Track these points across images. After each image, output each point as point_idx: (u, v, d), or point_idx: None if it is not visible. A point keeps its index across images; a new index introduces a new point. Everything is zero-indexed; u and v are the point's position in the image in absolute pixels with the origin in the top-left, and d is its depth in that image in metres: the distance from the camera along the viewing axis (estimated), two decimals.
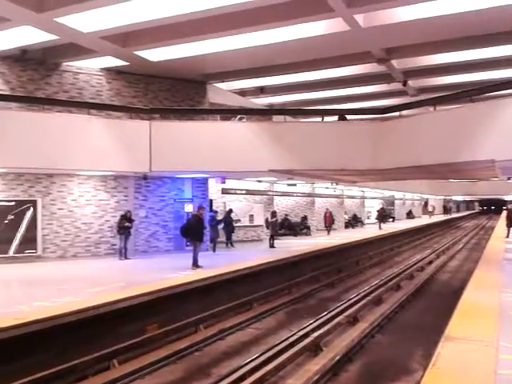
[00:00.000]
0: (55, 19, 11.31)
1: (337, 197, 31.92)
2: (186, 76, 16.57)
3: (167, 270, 11.85)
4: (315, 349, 7.49)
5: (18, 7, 10.53)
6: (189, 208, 16.82)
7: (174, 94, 17.00)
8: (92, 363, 6.62)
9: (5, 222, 14.00)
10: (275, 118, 20.09)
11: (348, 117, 15.07)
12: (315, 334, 7.76)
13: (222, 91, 18.92)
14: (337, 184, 26.11)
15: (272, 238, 18.73)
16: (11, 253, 14.07)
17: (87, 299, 8.23)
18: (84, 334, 7.28)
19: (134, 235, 15.66)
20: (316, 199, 29.19)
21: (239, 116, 19.68)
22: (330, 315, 9.20)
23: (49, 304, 7.87)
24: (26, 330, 6.45)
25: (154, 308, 8.90)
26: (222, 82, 17.97)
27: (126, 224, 14.89)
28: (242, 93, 20.20)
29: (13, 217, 14.12)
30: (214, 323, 9.32)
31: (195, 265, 12.46)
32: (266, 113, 21.57)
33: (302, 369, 6.81)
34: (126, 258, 14.85)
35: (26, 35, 12.94)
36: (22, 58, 14.26)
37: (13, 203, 14.19)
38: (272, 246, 18.39)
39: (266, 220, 20.20)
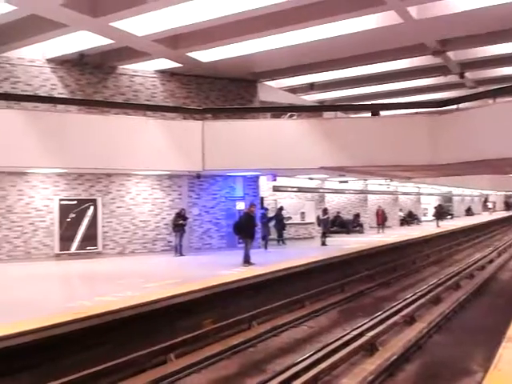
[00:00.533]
0: (110, 24, 11.74)
1: (391, 193, 31.16)
2: (236, 75, 16.72)
3: (220, 267, 12.03)
4: (370, 348, 7.35)
5: (75, 13, 10.99)
6: (240, 206, 16.98)
7: (225, 93, 17.20)
8: (150, 357, 6.82)
9: (67, 220, 14.70)
10: (326, 114, 19.90)
11: (404, 111, 14.71)
12: (370, 334, 7.62)
13: (272, 89, 18.94)
14: (391, 180, 25.49)
15: (324, 235, 18.57)
16: (73, 249, 14.76)
17: (145, 294, 8.50)
18: (142, 328, 7.52)
19: (188, 233, 16.00)
20: (369, 196, 28.64)
21: (290, 113, 19.63)
22: (385, 314, 9.00)
23: (109, 298, 8.19)
24: (87, 323, 6.74)
25: (209, 303, 9.05)
26: (272, 79, 18.00)
27: (181, 222, 15.24)
28: (292, 90, 20.14)
29: (75, 215, 14.80)
30: (266, 320, 9.35)
31: (247, 262, 12.56)
32: (317, 109, 21.37)
33: (357, 368, 6.71)
34: (181, 254, 15.21)
35: (84, 40, 13.53)
36: (81, 62, 14.91)
37: (75, 202, 14.88)
38: (324, 243, 18.23)
39: (318, 217, 20.04)
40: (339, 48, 14.43)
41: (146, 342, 7.12)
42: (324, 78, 18.82)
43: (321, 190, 24.30)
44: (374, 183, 27.94)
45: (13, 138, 12.50)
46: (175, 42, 13.53)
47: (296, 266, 12.17)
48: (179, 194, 16.46)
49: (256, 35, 12.99)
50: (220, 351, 7.34)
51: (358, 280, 13.53)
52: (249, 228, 12.92)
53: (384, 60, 16.15)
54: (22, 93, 14.13)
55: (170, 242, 15.85)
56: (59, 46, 14.17)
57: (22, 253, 14.16)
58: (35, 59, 14.56)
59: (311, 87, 19.45)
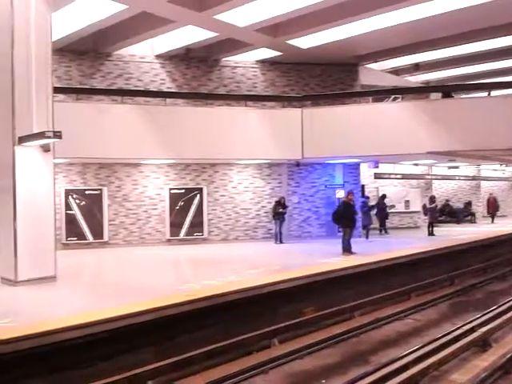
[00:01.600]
0: (214, 17, 12.10)
1: (507, 180, 28.68)
2: (336, 60, 16.39)
3: (320, 255, 11.98)
4: (483, 344, 6.89)
5: (182, 8, 11.50)
6: (340, 194, 16.70)
7: (325, 79, 16.96)
8: (255, 340, 7.03)
9: (176, 208, 15.58)
10: (433, 95, 18.78)
11: None
12: (483, 329, 7.14)
13: (374, 72, 18.30)
14: (506, 165, 23.47)
15: (431, 225, 17.64)
16: (182, 235, 15.63)
17: (249, 279, 8.76)
18: (247, 312, 7.76)
19: (288, 221, 16.13)
20: (482, 183, 26.62)
21: (393, 96, 18.83)
22: (500, 309, 8.37)
23: (215, 282, 8.56)
24: (197, 305, 7.12)
25: (310, 291, 9.08)
26: (375, 62, 17.39)
27: (280, 210, 15.41)
28: (396, 71, 19.30)
29: (183, 203, 15.64)
30: (369, 311, 9.15)
31: (347, 251, 12.36)
32: (423, 90, 20.22)
33: (469, 364, 6.32)
34: (281, 242, 15.41)
35: (189, 34, 14.12)
36: (186, 57, 15.61)
37: (183, 191, 15.71)
38: (431, 233, 17.34)
39: (424, 206, 19.08)
40: (445, 25, 13.50)
41: (251, 325, 7.34)
42: (429, 58, 17.76)
43: (427, 177, 23.08)
44: (488, 168, 25.89)
45: (127, 131, 13.53)
46: (276, 30, 13.61)
47: (401, 257, 11.74)
48: (279, 183, 16.64)
49: (358, 17, 12.61)
50: (323, 339, 7.33)
51: (469, 273, 12.71)
52: (347, 216, 12.68)
53: (493, 36, 14.81)
54: (134, 88, 15.18)
55: (271, 229, 16.12)
56: (167, 41, 14.95)
57: (137, 238, 15.31)
58: (145, 55, 15.55)
59: (416, 68, 18.47)
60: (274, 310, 8.22)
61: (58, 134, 8.24)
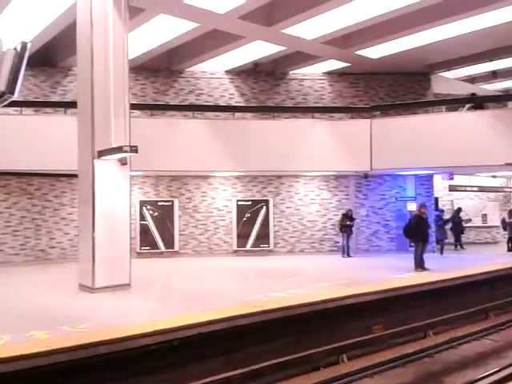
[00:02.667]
0: (282, 31, 12.24)
1: None
2: (407, 69, 15.95)
3: (390, 271, 11.61)
4: None
5: (251, 24, 11.75)
6: (411, 207, 16.12)
7: (396, 88, 16.55)
8: (324, 355, 6.93)
9: (243, 219, 15.78)
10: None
11: None
12: None
13: (448, 80, 17.60)
14: None
15: (510, 240, 16.58)
16: (249, 246, 15.79)
17: (317, 293, 8.65)
18: (315, 326, 7.66)
19: (356, 234, 15.81)
20: None
21: (468, 105, 18.00)
22: None
23: (283, 295, 8.54)
24: (266, 317, 7.13)
25: (380, 308, 8.81)
26: (448, 70, 16.73)
27: (348, 222, 15.15)
28: (471, 79, 18.46)
29: (250, 215, 15.81)
30: (444, 330, 8.75)
31: (420, 266, 11.87)
32: (500, 99, 19.19)
33: None
34: (349, 255, 15.11)
35: (258, 49, 14.39)
36: (255, 71, 15.88)
37: (249, 202, 15.90)
38: (511, 249, 16.28)
39: (503, 220, 17.97)
40: None
41: (319, 340, 7.24)
42: (508, 65, 16.82)
43: (506, 190, 21.75)
44: None
45: (197, 145, 13.96)
46: (344, 41, 13.52)
47: (478, 274, 11.10)
48: (346, 195, 16.38)
49: (429, 25, 12.24)
50: (393, 358, 7.09)
51: None
52: (419, 231, 12.18)
53: None
54: (204, 104, 15.65)
55: (337, 242, 15.87)
56: (236, 57, 15.32)
57: (206, 248, 15.66)
58: (215, 71, 16.00)
59: (493, 75, 17.57)
60: (343, 325, 8.06)
61: (134, 149, 8.65)
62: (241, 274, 12.67)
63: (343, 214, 15.34)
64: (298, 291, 8.90)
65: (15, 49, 6.16)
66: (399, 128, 14.32)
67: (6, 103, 6.58)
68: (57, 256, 14.44)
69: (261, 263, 14.12)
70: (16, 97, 6.25)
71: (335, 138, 14.61)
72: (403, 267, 12.04)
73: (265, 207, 15.87)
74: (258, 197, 16.00)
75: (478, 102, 15.17)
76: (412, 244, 13.10)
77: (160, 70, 15.65)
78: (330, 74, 16.39)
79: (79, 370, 5.40)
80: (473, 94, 16.08)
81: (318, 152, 14.46)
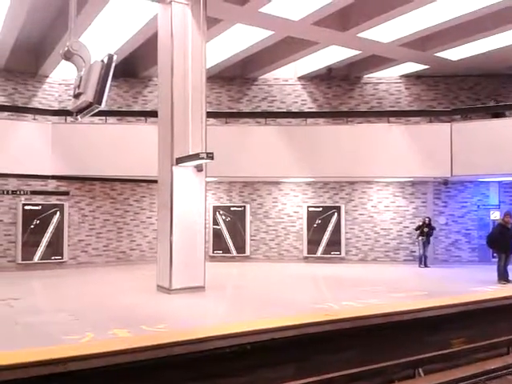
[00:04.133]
0: (358, 35, 12.08)
1: None
2: (490, 71, 15.12)
3: (471, 282, 11.03)
4: None
5: (325, 29, 11.74)
6: (495, 215, 15.22)
7: (478, 91, 15.74)
8: (399, 368, 6.69)
9: (314, 226, 15.67)
10: None
11: None
12: None
13: None
14: None
15: None
16: (319, 253, 15.65)
17: (392, 304, 8.40)
18: (389, 338, 7.43)
19: (434, 243, 15.16)
20: None
21: None
22: None
23: (355, 304, 8.38)
24: (338, 326, 7.02)
25: (460, 321, 8.35)
26: None
27: (425, 231, 14.57)
28: None
29: (320, 221, 15.68)
30: None
31: (503, 279, 11.14)
32: None
33: None
34: (426, 265, 14.52)
35: (331, 54, 14.29)
36: (328, 77, 15.78)
37: (320, 209, 15.77)
38: None
39: None
40: None
41: (393, 352, 7.01)
42: None
43: None
44: None
45: (269, 151, 14.12)
46: (422, 43, 13.10)
47: None
48: (423, 202, 15.76)
49: None
50: (474, 374, 6.71)
51: None
52: (503, 241, 11.43)
53: None
54: (277, 110, 15.78)
55: (414, 251, 15.30)
56: (309, 63, 15.32)
57: (276, 254, 15.74)
58: (288, 78, 16.11)
59: None
60: (419, 338, 7.74)
61: (210, 156, 8.90)
62: (311, 281, 12.58)
63: (421, 222, 14.77)
64: (371, 301, 8.69)
65: (102, 61, 6.57)
66: (483, 132, 13.59)
67: (93, 113, 7.03)
68: (136, 258, 15.18)
69: (332, 271, 13.94)
70: (103, 107, 6.64)
71: (412, 143, 14.15)
72: (485, 279, 11.38)
73: (336, 214, 15.66)
74: (329, 203, 15.83)
75: None
76: (495, 255, 12.34)
77: (234, 79, 16.02)
78: (406, 77, 15.92)
79: (155, 369, 5.62)
80: None
81: (394, 157, 14.07)
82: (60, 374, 5.08)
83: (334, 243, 15.65)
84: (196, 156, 9.09)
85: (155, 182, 10.98)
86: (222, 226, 15.77)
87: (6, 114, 13.84)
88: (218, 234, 15.73)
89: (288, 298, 9.25)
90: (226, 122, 14.96)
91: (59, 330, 6.56)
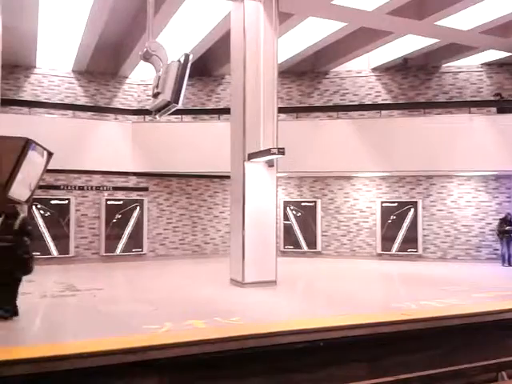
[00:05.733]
0: (435, 23, 11.53)
1: None
2: None
3: None
4: None
5: (400, 19, 11.31)
6: None
7: None
8: (479, 371, 6.35)
9: (388, 221, 15.21)
10: None
11: None
12: None
13: None
14: None
15: None
16: (394, 250, 15.16)
17: (473, 304, 7.98)
18: (469, 340, 7.07)
19: None
20: None
21: None
22: None
23: (434, 304, 8.04)
24: (414, 326, 6.80)
25: None
26: None
27: (507, 228, 13.66)
28: None
29: (395, 217, 15.18)
30: None
31: None
32: None
33: None
34: (510, 264, 13.61)
35: (407, 44, 13.76)
36: (404, 67, 15.22)
37: (395, 204, 15.27)
38: None
39: None
40: None
41: (474, 355, 6.66)
42: None
43: None
44: None
45: (341, 145, 13.87)
46: (505, 30, 12.25)
47: None
48: (508, 197, 14.75)
49: None
50: None
51: None
52: None
53: None
54: (349, 103, 15.47)
55: (497, 249, 14.38)
56: (383, 53, 14.86)
57: (348, 250, 15.47)
58: (361, 70, 15.72)
59: None
60: (503, 340, 7.30)
61: (281, 151, 8.93)
62: (387, 279, 12.24)
63: (501, 219, 13.87)
64: (451, 301, 8.30)
65: (179, 60, 6.78)
66: None
67: (170, 112, 7.29)
68: (210, 251, 15.59)
69: (409, 268, 13.46)
70: (180, 105, 6.86)
71: (496, 135, 13.29)
72: None
73: (412, 209, 15.09)
74: (404, 198, 15.28)
75: None
76: None
77: (305, 73, 15.90)
78: (488, 65, 14.96)
79: (228, 360, 5.75)
80: None
81: (476, 150, 13.28)
82: (140, 362, 5.36)
83: (411, 240, 15.07)
84: (267, 151, 9.15)
85: (228, 177, 11.19)
86: (293, 222, 15.76)
87: (90, 114, 14.73)
88: (288, 230, 15.75)
89: (362, 296, 9.07)
90: (297, 117, 14.90)
91: (139, 319, 6.90)
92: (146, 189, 15.05)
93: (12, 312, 6.79)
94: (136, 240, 14.68)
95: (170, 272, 12.70)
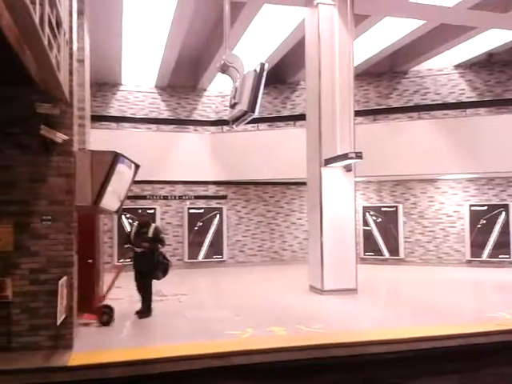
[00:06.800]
0: None
1: None
2: None
3: None
4: None
5: (483, 13, 10.71)
6: None
7: None
8: None
9: (478, 226, 14.32)
10: None
11: None
12: None
13: None
14: None
15: None
16: (485, 257, 14.23)
17: None
18: None
19: None
20: None
21: None
22: None
23: None
24: (509, 337, 6.33)
25: None
26: None
27: None
28: None
29: (485, 221, 14.26)
30: None
31: None
32: None
33: None
34: None
35: (491, 39, 12.97)
36: (489, 63, 14.34)
37: (485, 207, 14.35)
38: None
39: None
40: None
41: None
42: None
43: None
44: None
45: (423, 147, 13.28)
46: None
47: None
48: None
49: None
50: None
51: None
52: None
53: None
54: (431, 103, 14.83)
55: None
56: (465, 49, 14.11)
57: (434, 257, 14.74)
58: (443, 68, 15.02)
59: None
60: None
61: (359, 155, 8.75)
62: (477, 287, 11.49)
63: None
64: None
65: (255, 70, 6.88)
66: None
67: (247, 121, 7.40)
68: (288, 258, 15.59)
69: (501, 276, 12.56)
70: (256, 114, 6.95)
71: None
72: None
73: (504, 213, 14.09)
74: (494, 201, 14.31)
75: None
76: None
77: (383, 74, 15.49)
78: None
79: (310, 368, 5.68)
80: None
81: None
82: (225, 367, 5.46)
83: (503, 245, 14.06)
84: (344, 156, 9.00)
85: (304, 183, 11.14)
86: (373, 227, 15.34)
87: (172, 126, 15.38)
88: (368, 236, 15.35)
89: (451, 305, 8.60)
90: (375, 120, 14.53)
91: (221, 325, 7.05)
92: (224, 197, 15.41)
93: (150, 311, 7.73)
94: (216, 247, 15.05)
95: (250, 278, 12.86)
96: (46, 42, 4.28)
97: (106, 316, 7.07)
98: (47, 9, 4.31)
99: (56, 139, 5.77)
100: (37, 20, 3.87)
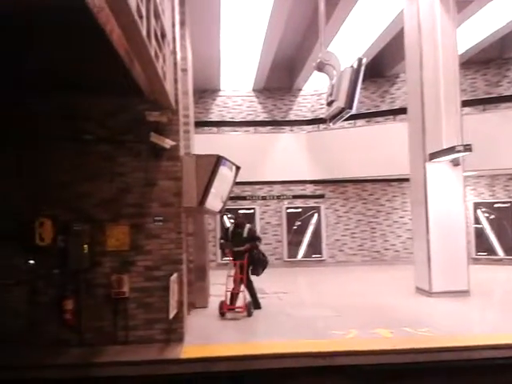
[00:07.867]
0: None
1: None
2: None
3: None
4: None
5: None
6: None
7: None
8: None
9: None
10: None
11: None
12: None
13: None
14: None
15: None
16: None
17: None
18: None
19: None
20: None
21: None
22: None
23: None
24: None
25: None
26: None
27: None
28: None
29: None
30: None
31: None
32: None
33: None
34: None
35: None
36: None
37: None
38: None
39: None
40: None
41: None
42: None
43: None
44: None
45: None
46: None
47: None
48: None
49: None
50: None
51: None
52: None
53: None
54: None
55: None
56: None
57: None
58: None
59: None
60: None
61: (468, 148, 8.20)
62: None
63: None
64: None
65: (352, 66, 6.75)
66: None
67: (344, 118, 7.28)
68: (391, 257, 15.05)
69: None
70: (354, 111, 6.81)
71: None
72: None
73: None
74: None
75: None
76: None
77: (491, 61, 14.37)
78: None
79: (419, 373, 5.44)
80: None
81: None
82: (329, 367, 5.43)
83: None
84: (451, 150, 8.49)
85: (406, 180, 10.71)
86: (485, 225, 14.26)
87: (268, 128, 15.63)
88: (480, 234, 14.30)
89: None
90: (484, 109, 13.51)
91: (324, 324, 7.01)
92: (322, 196, 15.29)
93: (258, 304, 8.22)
94: (315, 246, 14.99)
95: (350, 278, 12.61)
96: (152, 54, 4.58)
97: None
98: (153, 22, 4.60)
99: (164, 145, 6.14)
100: (144, 33, 4.15)
